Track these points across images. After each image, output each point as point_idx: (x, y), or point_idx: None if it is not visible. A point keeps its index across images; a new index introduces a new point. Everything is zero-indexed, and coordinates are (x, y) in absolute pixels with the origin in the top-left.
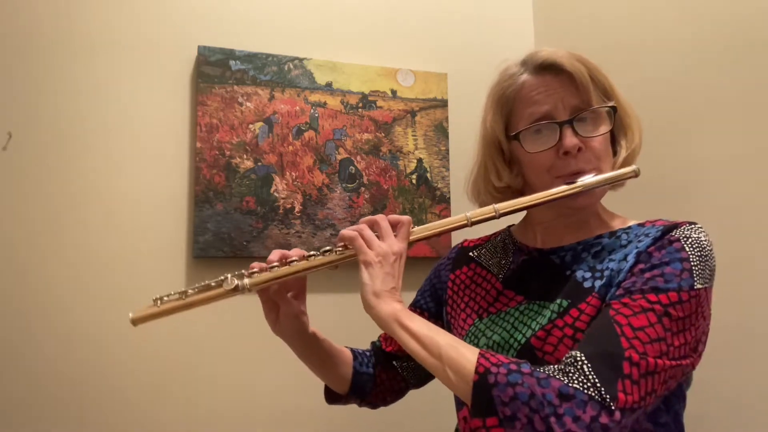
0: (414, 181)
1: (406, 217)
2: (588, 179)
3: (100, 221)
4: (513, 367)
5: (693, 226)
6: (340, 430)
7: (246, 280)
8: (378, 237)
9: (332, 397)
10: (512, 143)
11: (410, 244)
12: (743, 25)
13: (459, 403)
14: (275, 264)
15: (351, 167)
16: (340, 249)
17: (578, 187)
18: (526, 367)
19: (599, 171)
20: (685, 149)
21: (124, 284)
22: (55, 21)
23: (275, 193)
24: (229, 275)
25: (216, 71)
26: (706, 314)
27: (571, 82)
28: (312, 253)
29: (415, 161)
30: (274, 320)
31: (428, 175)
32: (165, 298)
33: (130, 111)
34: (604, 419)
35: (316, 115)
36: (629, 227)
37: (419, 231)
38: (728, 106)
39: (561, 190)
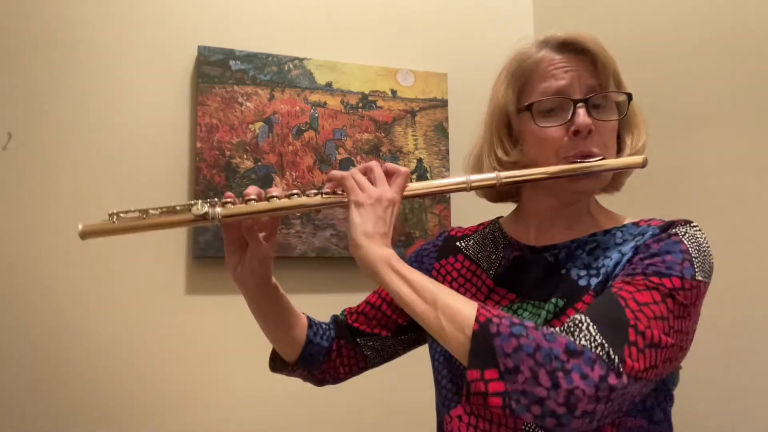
0: (414, 181)
1: (403, 168)
2: (597, 161)
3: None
4: (516, 320)
5: (690, 223)
6: (331, 426)
7: (218, 209)
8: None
9: (277, 365)
10: (522, 116)
11: (405, 198)
12: (746, 22)
13: (443, 405)
14: (252, 197)
15: (351, 167)
16: (327, 192)
17: (586, 166)
18: (529, 323)
19: (606, 158)
20: (686, 147)
21: (124, 284)
22: (55, 21)
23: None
24: (199, 201)
25: (216, 71)
26: (699, 309)
27: (591, 63)
28: (295, 192)
29: (415, 161)
30: (237, 262)
31: (428, 175)
32: (122, 215)
33: (131, 111)
34: (612, 380)
35: (316, 115)
36: (624, 226)
37: (416, 187)
38: (730, 105)
39: (569, 167)
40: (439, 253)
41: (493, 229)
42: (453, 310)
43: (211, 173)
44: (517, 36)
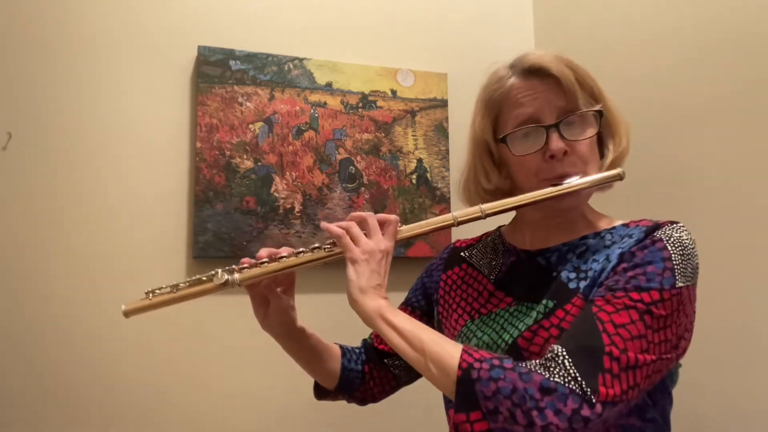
0: (414, 181)
1: (393, 216)
2: (573, 181)
3: (100, 221)
4: (495, 362)
5: (675, 225)
6: (334, 426)
7: (236, 275)
8: (366, 234)
9: (321, 392)
10: (500, 146)
11: (397, 242)
12: (744, 23)
13: (446, 404)
14: (264, 260)
15: (351, 167)
16: (329, 246)
17: (563, 189)
18: (508, 363)
19: (585, 174)
20: (684, 148)
21: (124, 284)
22: (55, 21)
23: (275, 193)
24: (219, 270)
25: (216, 71)
26: (688, 311)
27: (558, 86)
28: (301, 249)
29: (415, 161)
30: (263, 315)
31: (428, 175)
32: (157, 291)
33: (130, 111)
34: (585, 412)
35: (316, 115)
36: (614, 227)
37: (406, 230)
38: (727, 105)
39: (547, 191)
40: (445, 265)
41: (494, 237)
42: (438, 357)
43: (211, 173)
44: (517, 36)
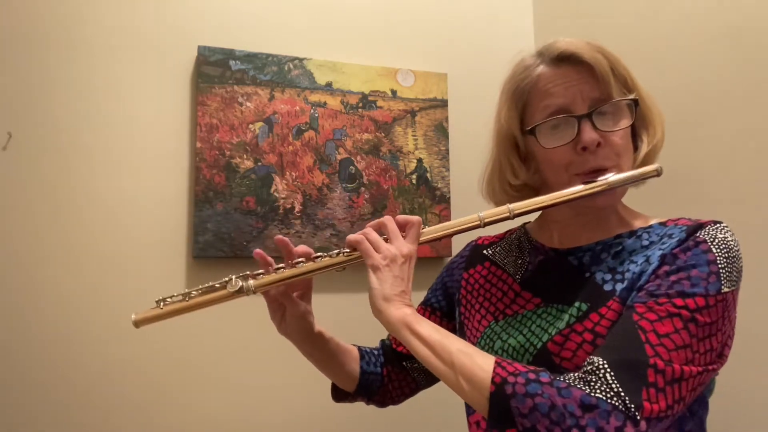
0: (414, 181)
1: (415, 218)
2: (608, 178)
3: (100, 221)
4: (531, 376)
5: (719, 225)
6: (349, 429)
7: (251, 282)
8: (386, 240)
9: (339, 395)
10: (528, 138)
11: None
12: (747, 21)
13: (466, 410)
14: (281, 265)
15: (351, 167)
16: (348, 251)
17: (597, 186)
18: (545, 376)
19: (619, 168)
20: (696, 146)
21: (124, 284)
22: (55, 21)
23: (275, 193)
24: (233, 276)
25: (216, 71)
26: (732, 317)
27: (591, 74)
28: (319, 254)
29: (415, 161)
30: (280, 320)
31: (428, 175)
32: (168, 300)
33: (130, 111)
34: (629, 429)
35: (316, 115)
36: (650, 226)
37: (430, 232)
38: (734, 103)
39: (579, 190)
40: (466, 263)
41: (519, 234)
42: (469, 370)
43: (211, 173)
44: (517, 36)
